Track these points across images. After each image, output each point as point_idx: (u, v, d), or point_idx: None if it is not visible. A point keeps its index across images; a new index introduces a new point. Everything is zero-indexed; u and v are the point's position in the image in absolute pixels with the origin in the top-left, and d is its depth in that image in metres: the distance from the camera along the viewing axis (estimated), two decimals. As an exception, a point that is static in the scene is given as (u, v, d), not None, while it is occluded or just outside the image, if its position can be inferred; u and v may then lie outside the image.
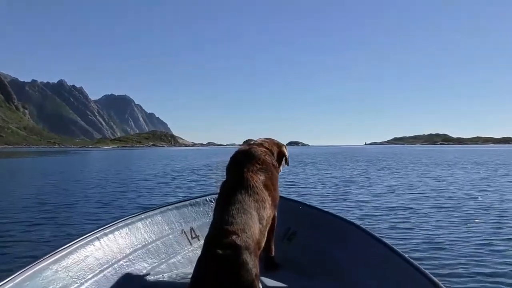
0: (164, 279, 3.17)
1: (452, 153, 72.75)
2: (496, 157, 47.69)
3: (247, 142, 3.29)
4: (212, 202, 3.97)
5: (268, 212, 2.79)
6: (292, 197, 4.92)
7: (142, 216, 3.47)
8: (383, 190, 14.28)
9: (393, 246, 2.91)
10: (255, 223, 2.55)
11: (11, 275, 2.35)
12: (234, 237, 2.34)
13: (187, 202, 3.91)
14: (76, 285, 2.67)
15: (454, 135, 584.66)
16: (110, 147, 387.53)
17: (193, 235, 3.72)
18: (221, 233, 2.38)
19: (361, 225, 3.36)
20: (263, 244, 2.69)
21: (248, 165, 2.93)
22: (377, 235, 3.13)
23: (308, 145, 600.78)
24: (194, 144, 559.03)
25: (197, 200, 4.00)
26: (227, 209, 2.55)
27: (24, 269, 2.43)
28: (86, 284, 2.73)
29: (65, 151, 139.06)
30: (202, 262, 2.35)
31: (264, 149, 3.17)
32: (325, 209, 3.94)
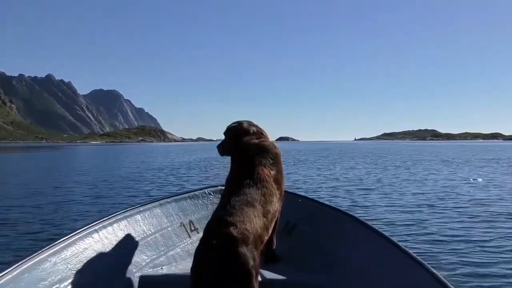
0: (163, 271, 3.18)
1: (449, 149, 69.61)
2: (502, 153, 44.96)
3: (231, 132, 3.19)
4: (211, 195, 3.99)
5: (275, 206, 2.79)
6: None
7: (141, 209, 3.47)
8: (411, 201, 10.47)
9: (392, 238, 2.92)
10: (257, 216, 2.53)
11: (10, 267, 2.32)
12: (231, 228, 2.33)
13: (186, 195, 3.91)
14: (75, 277, 2.65)
15: (443, 130, 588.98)
16: (98, 142, 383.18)
17: (192, 228, 3.73)
18: (220, 223, 2.38)
19: (360, 218, 3.36)
20: (265, 238, 2.67)
21: (261, 159, 2.89)
22: (376, 228, 3.14)
23: (298, 140, 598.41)
24: (183, 140, 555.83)
25: (196, 193, 3.99)
26: (231, 200, 2.54)
27: (23, 261, 2.41)
28: (84, 277, 2.71)
29: (51, 147, 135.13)
30: (199, 251, 2.37)
31: (271, 141, 3.15)
32: (325, 202, 3.95)
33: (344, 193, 12.30)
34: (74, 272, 2.67)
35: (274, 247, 3.26)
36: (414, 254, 2.62)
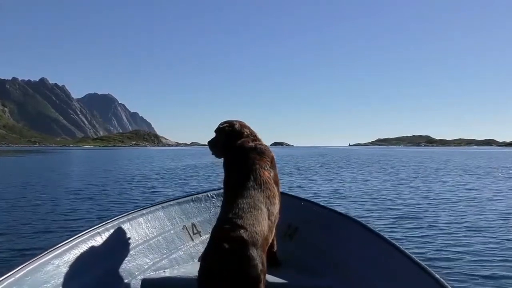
0: (166, 274, 3.20)
1: (452, 156, 67.47)
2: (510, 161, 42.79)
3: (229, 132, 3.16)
4: (214, 198, 4.01)
5: (277, 207, 2.81)
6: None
7: (144, 212, 3.47)
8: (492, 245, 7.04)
9: (395, 243, 2.90)
10: (264, 219, 2.55)
11: (12, 269, 2.33)
12: (242, 231, 2.34)
13: (188, 198, 3.91)
14: (78, 280, 2.67)
15: (437, 136, 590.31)
16: (92, 146, 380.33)
17: (195, 231, 3.73)
18: (229, 226, 2.38)
19: (363, 222, 3.34)
20: (270, 240, 2.73)
21: (261, 162, 2.92)
22: (379, 232, 3.12)
23: (292, 145, 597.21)
24: (178, 144, 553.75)
25: (199, 196, 3.99)
26: (238, 203, 2.55)
27: (26, 264, 2.42)
28: (87, 279, 2.73)
29: (42, 150, 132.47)
30: (208, 254, 2.37)
31: (265, 144, 3.18)
32: (327, 206, 3.96)
33: (383, 224, 8.58)
34: (77, 274, 2.68)
35: (275, 250, 3.27)
36: (419, 260, 2.59)
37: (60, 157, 65.46)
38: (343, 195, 14.02)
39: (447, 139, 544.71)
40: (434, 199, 12.92)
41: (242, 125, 3.24)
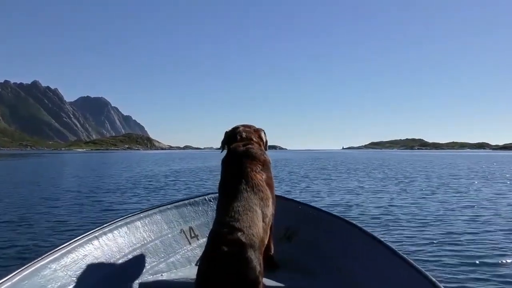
0: (163, 278, 3.19)
1: (454, 159, 64.13)
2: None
3: (234, 140, 3.21)
4: (212, 202, 4.01)
5: (271, 210, 2.84)
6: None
7: (141, 215, 3.47)
8: None
9: (392, 246, 2.91)
10: (260, 221, 2.59)
11: (9, 273, 2.32)
12: (239, 234, 2.36)
13: (186, 202, 3.91)
14: (75, 284, 2.66)
15: (430, 140, 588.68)
16: (84, 149, 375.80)
17: (192, 235, 3.72)
18: (227, 230, 2.39)
19: (361, 226, 3.34)
20: (266, 242, 2.74)
21: (251, 165, 2.94)
22: (376, 235, 3.12)
23: (285, 149, 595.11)
24: (171, 147, 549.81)
25: (196, 199, 3.99)
26: (233, 206, 2.57)
27: (23, 268, 2.42)
28: (84, 283, 2.72)
29: (33, 154, 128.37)
30: (207, 258, 2.38)
31: (258, 146, 3.21)
32: (325, 209, 3.94)
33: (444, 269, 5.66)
34: (74, 279, 2.67)
35: (272, 252, 3.27)
36: (418, 266, 2.59)
37: (43, 161, 61.75)
38: (359, 212, 10.86)
39: (440, 142, 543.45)
40: (483, 222, 9.43)
41: (244, 129, 3.30)
